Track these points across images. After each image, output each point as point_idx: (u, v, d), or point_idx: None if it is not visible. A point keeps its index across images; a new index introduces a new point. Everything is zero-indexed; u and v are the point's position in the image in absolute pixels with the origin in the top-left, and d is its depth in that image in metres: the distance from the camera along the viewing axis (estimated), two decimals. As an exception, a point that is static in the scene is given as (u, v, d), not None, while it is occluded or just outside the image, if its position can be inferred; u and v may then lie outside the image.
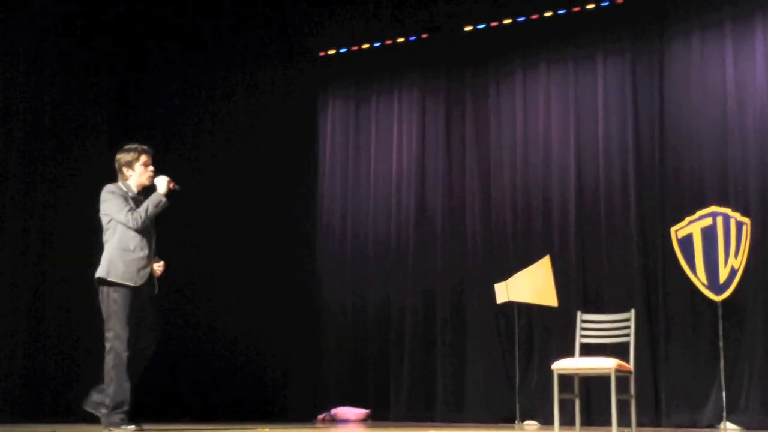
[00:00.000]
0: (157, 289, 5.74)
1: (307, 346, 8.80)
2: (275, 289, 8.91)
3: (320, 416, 8.40)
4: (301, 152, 9.29)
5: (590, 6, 8.20)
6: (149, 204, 5.60)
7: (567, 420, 6.53)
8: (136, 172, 5.71)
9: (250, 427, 6.92)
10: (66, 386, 8.01)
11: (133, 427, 5.43)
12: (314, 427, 7.43)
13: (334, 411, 8.35)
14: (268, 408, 8.64)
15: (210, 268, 9.02)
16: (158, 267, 5.72)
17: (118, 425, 5.43)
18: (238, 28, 9.37)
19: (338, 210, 9.12)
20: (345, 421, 8.20)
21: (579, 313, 6.53)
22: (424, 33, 8.97)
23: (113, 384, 5.43)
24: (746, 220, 7.07)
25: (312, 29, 9.19)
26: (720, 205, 7.22)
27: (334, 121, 9.32)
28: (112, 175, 5.81)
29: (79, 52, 8.69)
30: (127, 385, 5.43)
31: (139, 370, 5.65)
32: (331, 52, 9.37)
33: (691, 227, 7.28)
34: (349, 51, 9.31)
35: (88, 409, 5.65)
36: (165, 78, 9.39)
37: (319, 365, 8.75)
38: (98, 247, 5.69)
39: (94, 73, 8.80)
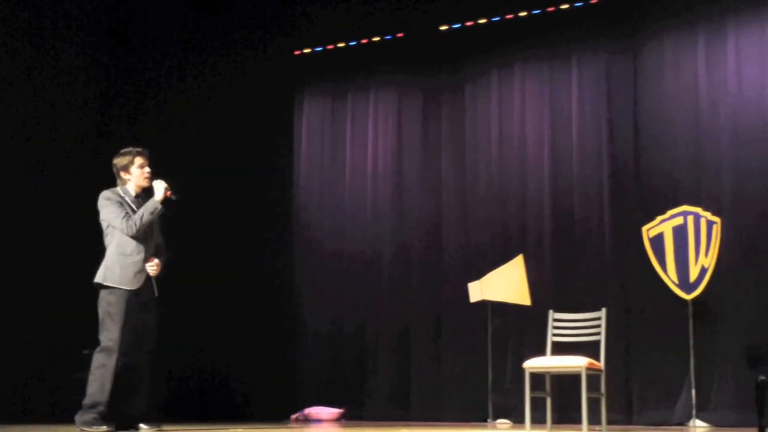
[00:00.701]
0: (156, 292, 5.73)
1: (281, 345, 8.78)
2: (249, 288, 8.88)
3: (294, 416, 8.37)
4: (277, 151, 9.27)
5: (565, 6, 8.24)
6: (144, 211, 5.63)
7: (539, 418, 6.53)
8: (134, 175, 5.77)
9: (222, 427, 6.89)
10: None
11: (104, 427, 5.41)
12: (287, 427, 7.40)
13: (307, 410, 8.33)
14: (241, 408, 8.61)
15: (183, 267, 8.94)
16: (151, 267, 5.70)
17: (90, 425, 5.42)
18: (214, 25, 9.33)
19: (315, 208, 9.11)
20: (318, 421, 8.18)
21: (551, 312, 6.56)
22: (400, 32, 8.97)
23: (95, 383, 5.46)
24: (717, 219, 7.12)
25: (288, 28, 9.17)
26: (691, 204, 7.27)
27: (310, 120, 9.32)
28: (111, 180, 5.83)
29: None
30: (108, 387, 5.45)
31: (146, 371, 5.65)
32: (307, 51, 9.35)
33: (662, 226, 7.33)
34: (324, 50, 9.30)
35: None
36: (140, 75, 9.33)
37: (293, 365, 8.73)
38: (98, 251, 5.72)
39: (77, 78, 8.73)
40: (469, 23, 8.69)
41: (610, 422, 6.37)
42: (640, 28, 7.85)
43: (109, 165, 5.89)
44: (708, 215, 7.16)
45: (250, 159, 9.11)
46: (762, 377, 3.15)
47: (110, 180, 5.89)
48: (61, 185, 8.19)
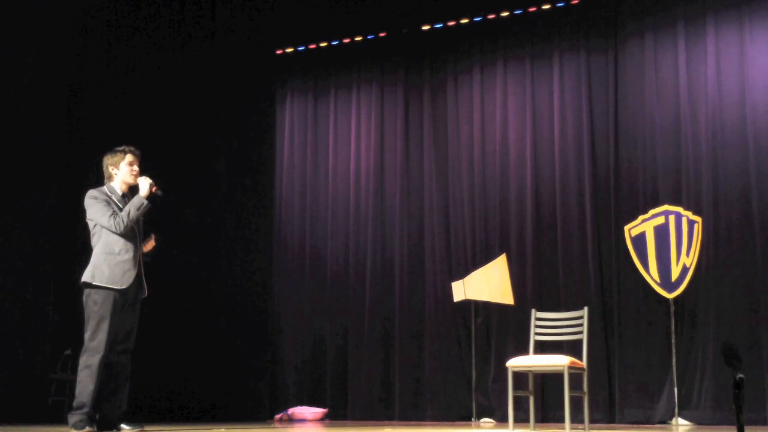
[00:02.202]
0: (146, 292, 5.71)
1: (265, 345, 8.77)
2: (233, 288, 8.86)
3: (277, 416, 8.36)
4: (258, 150, 9.24)
5: (546, 6, 8.26)
6: (131, 207, 5.60)
7: (522, 417, 6.57)
8: (122, 172, 5.75)
9: (206, 427, 6.87)
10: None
11: (87, 428, 5.38)
12: (271, 427, 7.39)
13: (291, 410, 8.32)
14: (225, 408, 8.58)
15: (162, 267, 8.90)
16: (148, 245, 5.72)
17: (77, 427, 5.39)
18: (196, 25, 9.29)
19: (296, 207, 9.09)
20: (302, 421, 8.17)
21: (533, 311, 6.58)
22: (382, 31, 8.97)
23: (80, 384, 5.42)
24: (698, 218, 7.17)
25: (270, 26, 9.14)
26: (672, 204, 7.31)
27: (291, 120, 9.30)
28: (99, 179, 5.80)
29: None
30: (92, 388, 5.41)
31: (126, 371, 5.63)
32: (289, 50, 9.34)
33: (644, 226, 7.36)
34: (306, 49, 9.29)
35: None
36: (119, 73, 9.28)
37: (276, 365, 8.72)
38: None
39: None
40: (451, 23, 8.70)
41: (592, 421, 6.39)
42: (621, 28, 7.89)
43: (83, 163, 5.86)
44: (689, 214, 7.20)
45: (230, 158, 9.09)
46: (740, 375, 3.17)
47: (89, 177, 5.83)
48: (31, 182, 8.15)
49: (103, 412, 5.57)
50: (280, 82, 9.38)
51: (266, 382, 8.67)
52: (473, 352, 7.86)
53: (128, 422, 5.68)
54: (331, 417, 8.33)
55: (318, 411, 8.26)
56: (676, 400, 7.04)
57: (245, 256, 8.98)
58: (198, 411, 8.42)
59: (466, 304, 7.89)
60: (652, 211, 7.35)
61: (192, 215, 8.90)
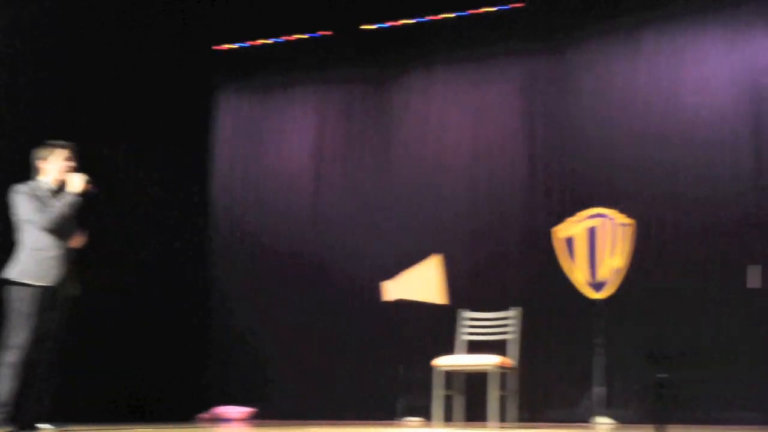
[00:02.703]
0: (77, 290, 5.54)
1: (191, 344, 8.61)
2: (161, 286, 8.68)
3: (201, 415, 8.22)
4: (195, 148, 9.11)
5: (490, 9, 8.31)
6: (62, 203, 5.42)
7: (449, 416, 6.57)
8: (54, 167, 5.54)
9: (128, 427, 6.71)
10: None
11: (7, 428, 5.21)
12: (195, 427, 7.25)
13: (216, 410, 8.18)
14: (148, 408, 8.38)
15: (93, 265, 8.69)
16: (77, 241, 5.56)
17: None
18: (131, 19, 9.12)
19: (233, 206, 8.99)
20: (227, 420, 8.04)
21: (463, 311, 6.59)
22: (323, 30, 8.93)
23: (0, 383, 5.23)
24: (629, 221, 7.25)
25: (208, 23, 9.03)
26: (605, 206, 7.39)
27: (229, 118, 9.20)
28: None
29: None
30: (13, 386, 5.22)
31: (49, 370, 5.45)
32: (227, 46, 9.25)
33: (574, 227, 7.43)
34: (245, 46, 9.20)
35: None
36: (55, 66, 9.06)
37: (202, 364, 8.57)
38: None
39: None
40: (392, 23, 8.70)
41: (518, 419, 6.41)
42: (561, 34, 7.98)
43: (13, 160, 5.69)
44: (620, 217, 7.28)
45: (166, 155, 8.91)
46: (662, 375, 3.20)
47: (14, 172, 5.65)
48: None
49: (24, 412, 5.39)
50: (218, 78, 9.28)
51: (192, 380, 8.50)
52: (402, 351, 7.82)
53: (50, 422, 5.52)
54: (258, 416, 8.21)
55: (243, 410, 8.14)
56: (599, 399, 7.09)
57: (178, 254, 8.81)
58: (125, 410, 8.21)
59: (398, 302, 7.86)
60: (584, 213, 7.42)
61: (125, 211, 8.70)
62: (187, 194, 8.98)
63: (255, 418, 8.18)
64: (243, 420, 8.07)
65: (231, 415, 8.14)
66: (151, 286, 8.63)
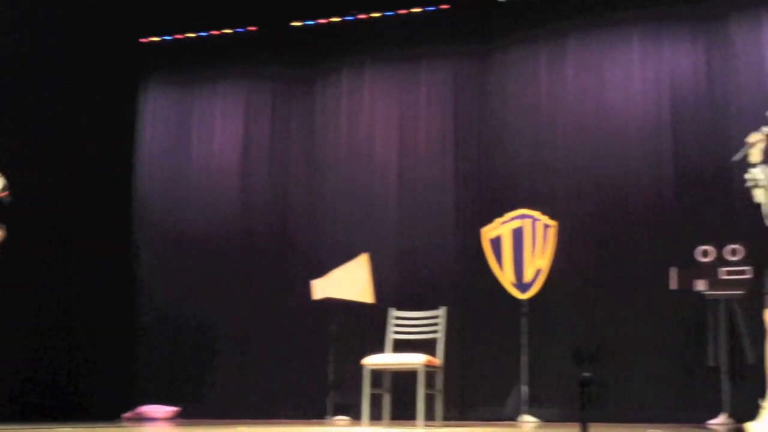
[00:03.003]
0: None
1: (116, 341, 8.48)
2: (84, 282, 8.53)
3: (126, 414, 8.11)
4: (119, 141, 8.95)
5: (416, 10, 8.36)
6: None
7: (377, 414, 6.62)
8: None
9: (51, 426, 6.58)
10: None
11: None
12: (119, 426, 7.15)
13: (141, 409, 8.08)
14: (72, 407, 8.25)
15: (13, 260, 8.48)
16: None
17: None
18: (55, 9, 8.90)
19: (158, 201, 8.86)
20: (153, 420, 7.95)
21: (392, 310, 6.64)
22: (251, 25, 8.87)
23: None
24: (552, 223, 7.41)
25: (135, 15, 8.87)
26: (529, 208, 7.52)
27: (155, 111, 9.07)
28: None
29: None
30: None
31: None
32: (154, 39, 9.10)
33: (501, 228, 7.55)
34: (173, 39, 9.08)
35: None
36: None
37: (127, 362, 8.45)
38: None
39: None
40: (321, 21, 8.69)
41: (445, 418, 6.51)
42: (488, 36, 8.09)
43: None
44: (545, 219, 7.43)
45: (89, 148, 8.73)
46: (586, 373, 3.30)
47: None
48: None
49: None
50: (144, 71, 9.13)
51: (118, 379, 8.38)
52: (331, 350, 7.85)
53: None
54: (184, 416, 8.14)
55: (169, 410, 8.06)
56: (525, 397, 7.23)
57: (102, 250, 8.65)
58: (49, 409, 8.06)
59: (326, 301, 7.87)
60: (509, 214, 7.55)
61: (46, 206, 8.50)
62: (111, 188, 8.82)
63: (182, 417, 8.11)
64: (168, 419, 7.99)
65: (156, 414, 8.05)
66: (74, 284, 8.48)
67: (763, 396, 4.63)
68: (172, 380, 8.34)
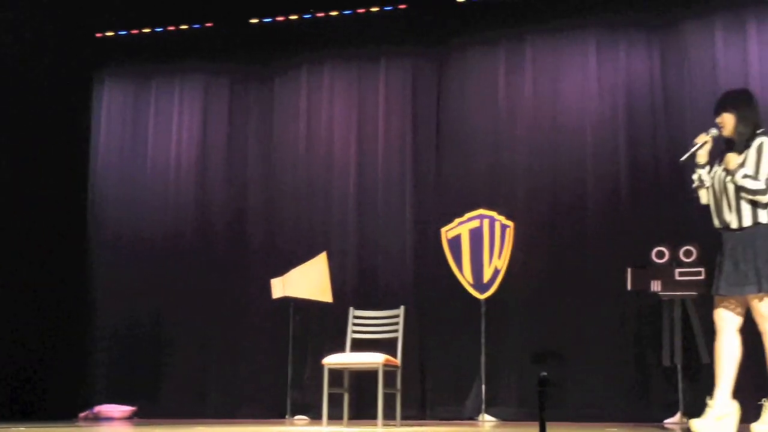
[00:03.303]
0: None
1: (70, 340, 8.37)
2: (37, 280, 8.39)
3: (82, 414, 8.02)
4: (73, 137, 8.82)
5: (374, 9, 8.37)
6: None
7: (336, 414, 6.63)
8: None
9: (5, 426, 6.47)
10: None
11: None
12: (75, 425, 7.07)
13: (97, 408, 8.00)
14: (26, 406, 8.13)
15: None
16: None
17: None
18: (10, 2, 8.74)
19: (113, 199, 8.75)
20: (109, 419, 7.87)
21: (351, 309, 6.65)
22: (209, 22, 8.80)
23: None
24: (510, 223, 7.47)
25: (91, 9, 8.74)
26: (487, 208, 7.58)
27: (110, 107, 8.96)
28: None
29: None
30: None
31: None
32: (110, 33, 8.98)
33: (460, 228, 7.60)
34: (129, 34, 8.97)
35: None
36: None
37: (83, 361, 8.35)
38: None
39: None
40: (280, 18, 8.65)
41: (404, 417, 6.54)
42: (446, 36, 8.13)
43: None
44: (503, 219, 7.49)
45: (42, 145, 8.59)
46: (544, 373, 3.34)
47: None
48: None
49: None
50: (98, 66, 9.01)
51: (73, 379, 8.28)
52: (290, 349, 7.84)
53: None
54: (141, 415, 8.07)
55: (126, 409, 7.99)
56: (483, 397, 7.30)
57: (56, 249, 8.52)
58: (3, 409, 7.92)
59: (285, 301, 7.85)
60: (468, 215, 7.60)
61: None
62: (65, 186, 8.69)
63: (138, 417, 8.04)
64: (125, 419, 7.91)
65: (112, 414, 7.96)
66: (28, 283, 8.33)
67: (711, 395, 4.72)
68: (129, 379, 8.26)
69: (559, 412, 6.90)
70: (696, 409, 6.73)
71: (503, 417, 7.22)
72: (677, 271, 6.82)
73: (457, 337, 7.53)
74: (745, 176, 4.55)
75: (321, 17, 8.55)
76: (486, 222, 7.51)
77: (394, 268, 7.83)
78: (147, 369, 8.25)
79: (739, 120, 4.69)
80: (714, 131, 4.79)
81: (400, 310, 6.40)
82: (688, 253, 6.84)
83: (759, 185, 4.53)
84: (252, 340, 8.05)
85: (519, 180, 7.65)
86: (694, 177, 4.81)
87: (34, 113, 8.59)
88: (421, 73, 8.16)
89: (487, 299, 7.42)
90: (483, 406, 7.26)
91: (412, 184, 7.96)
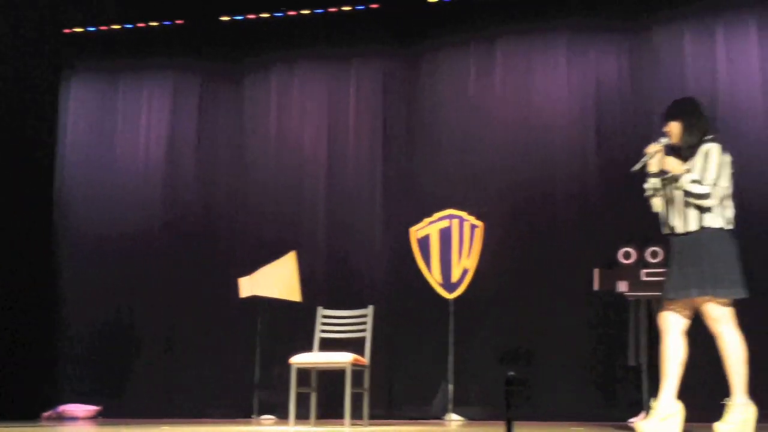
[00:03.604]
0: None
1: (34, 339, 8.26)
2: (1, 277, 8.29)
3: (46, 413, 7.93)
4: (39, 133, 8.72)
5: (346, 8, 8.36)
6: None
7: (304, 413, 6.60)
8: None
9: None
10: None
11: None
12: (38, 425, 6.99)
13: (61, 408, 7.91)
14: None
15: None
16: None
17: None
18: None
19: (80, 197, 8.66)
20: (73, 419, 7.79)
21: (319, 309, 6.63)
22: (179, 19, 8.74)
23: None
24: (479, 223, 7.49)
25: (58, 5, 8.66)
26: (457, 208, 7.60)
27: (77, 103, 8.87)
28: None
29: None
30: None
31: None
32: (78, 29, 8.90)
33: (429, 228, 7.61)
34: (98, 30, 8.89)
35: None
36: None
37: (47, 359, 8.25)
38: None
39: None
40: (251, 16, 8.62)
41: (372, 417, 6.53)
42: (418, 36, 8.14)
43: None
44: (472, 219, 7.51)
45: (7, 141, 8.48)
46: (511, 373, 3.36)
47: None
48: None
49: None
50: (67, 62, 8.92)
51: (37, 377, 8.18)
52: (258, 349, 7.80)
53: None
54: (106, 415, 7.99)
55: (90, 408, 7.91)
56: (451, 396, 7.31)
57: (21, 246, 8.42)
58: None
59: (253, 300, 7.82)
60: (437, 215, 7.61)
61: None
62: (31, 183, 8.59)
63: (103, 417, 7.96)
64: (89, 418, 7.83)
65: (77, 413, 7.88)
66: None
67: (655, 396, 4.78)
68: (94, 378, 8.18)
69: (525, 411, 6.93)
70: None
71: (470, 416, 7.24)
72: (643, 271, 6.87)
73: (425, 336, 7.54)
74: (693, 181, 4.63)
75: (293, 16, 8.53)
76: (455, 222, 7.53)
77: (363, 267, 7.82)
78: (112, 368, 8.17)
79: (685, 128, 4.77)
80: (663, 140, 4.85)
81: (369, 310, 6.39)
82: (654, 254, 6.90)
83: (704, 190, 4.60)
84: (219, 339, 8.00)
85: (488, 180, 7.67)
86: (647, 186, 4.86)
87: (0, 109, 8.49)
88: (392, 73, 8.16)
89: (456, 299, 7.43)
90: (450, 406, 7.28)
91: (382, 183, 7.96)
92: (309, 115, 8.30)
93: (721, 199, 4.64)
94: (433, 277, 7.49)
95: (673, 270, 4.70)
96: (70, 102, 8.88)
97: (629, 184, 7.24)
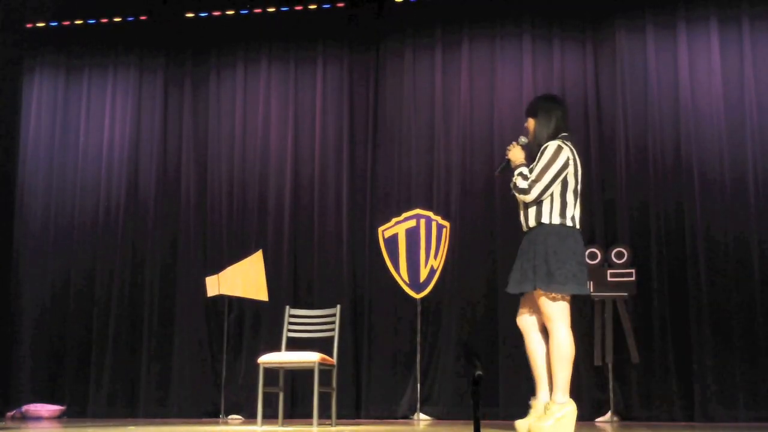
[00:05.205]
0: None
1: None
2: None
3: (9, 413, 7.83)
4: (1, 129, 8.58)
5: (312, 6, 8.35)
6: None
7: (271, 413, 6.59)
8: None
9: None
10: None
11: None
12: (2, 425, 6.90)
13: (25, 408, 7.82)
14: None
15: None
16: None
17: None
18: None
19: (41, 190, 8.55)
20: (38, 418, 7.70)
21: (287, 308, 6.63)
22: (143, 15, 8.66)
23: None
24: (446, 223, 7.53)
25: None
26: (424, 208, 7.63)
27: (40, 99, 8.75)
28: None
29: None
30: None
31: None
32: (41, 24, 8.78)
33: (396, 228, 7.63)
34: (60, 25, 8.77)
35: None
36: None
37: (9, 359, 8.14)
38: None
39: None
40: (216, 13, 8.56)
41: (339, 416, 6.55)
42: (384, 34, 8.15)
43: None
44: (439, 219, 7.54)
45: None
46: (478, 372, 3.38)
47: None
48: None
49: None
50: (29, 56, 8.78)
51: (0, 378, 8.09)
52: (225, 348, 7.77)
53: None
54: (71, 414, 7.92)
55: (55, 408, 7.83)
56: (418, 395, 7.35)
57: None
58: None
59: (220, 299, 7.79)
60: (404, 214, 7.64)
61: None
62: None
63: (68, 416, 7.89)
64: (54, 418, 7.75)
65: (41, 413, 7.80)
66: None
67: (534, 394, 4.84)
68: (58, 378, 8.09)
69: (493, 410, 7.00)
70: (626, 407, 6.92)
71: (438, 415, 7.29)
72: (609, 272, 6.97)
73: (393, 335, 7.58)
74: (519, 174, 4.65)
75: (258, 13, 8.49)
76: (423, 222, 7.56)
77: (331, 267, 7.82)
78: (77, 367, 8.09)
79: (537, 125, 4.77)
80: (523, 139, 4.86)
81: (336, 309, 6.39)
82: (619, 255, 7.00)
83: (523, 184, 4.62)
84: (186, 338, 7.96)
85: (455, 180, 7.71)
86: (512, 185, 4.76)
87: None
88: (358, 71, 8.17)
89: (423, 298, 7.47)
90: (418, 405, 7.32)
91: (348, 182, 7.96)
92: (274, 113, 8.27)
93: (562, 197, 4.57)
94: (401, 276, 7.51)
95: (515, 266, 4.71)
96: (33, 96, 8.76)
97: (593, 184, 7.39)
